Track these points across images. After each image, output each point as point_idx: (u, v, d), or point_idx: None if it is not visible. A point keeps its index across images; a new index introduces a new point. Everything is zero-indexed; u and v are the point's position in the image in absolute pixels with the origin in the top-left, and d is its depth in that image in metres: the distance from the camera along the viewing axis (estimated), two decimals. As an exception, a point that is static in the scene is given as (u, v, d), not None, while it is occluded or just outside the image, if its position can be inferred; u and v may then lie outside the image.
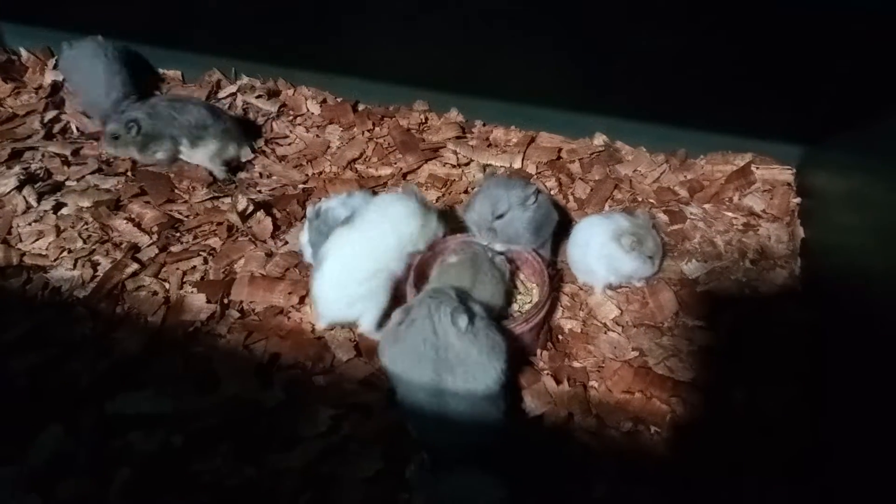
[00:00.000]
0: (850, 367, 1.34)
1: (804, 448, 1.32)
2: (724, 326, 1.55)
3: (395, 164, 2.08)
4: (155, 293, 1.64)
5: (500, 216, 1.51)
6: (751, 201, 1.88)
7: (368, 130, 2.20)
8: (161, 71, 2.46)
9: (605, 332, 1.57)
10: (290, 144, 2.19)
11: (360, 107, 2.31)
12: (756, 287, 1.65)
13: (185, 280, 1.68)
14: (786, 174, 1.93)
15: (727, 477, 1.28)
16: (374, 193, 1.78)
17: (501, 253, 1.56)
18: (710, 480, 1.27)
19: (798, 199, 1.85)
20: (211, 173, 2.01)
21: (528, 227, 1.54)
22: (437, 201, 1.94)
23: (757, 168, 1.95)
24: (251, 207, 1.85)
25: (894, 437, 1.10)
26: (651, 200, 1.93)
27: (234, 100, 2.33)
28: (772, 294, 1.63)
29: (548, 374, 1.46)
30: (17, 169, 1.97)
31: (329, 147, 2.15)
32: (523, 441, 1.32)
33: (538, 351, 1.50)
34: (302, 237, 1.64)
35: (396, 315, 1.26)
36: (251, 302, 1.62)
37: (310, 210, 1.62)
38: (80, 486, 1.23)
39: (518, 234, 1.54)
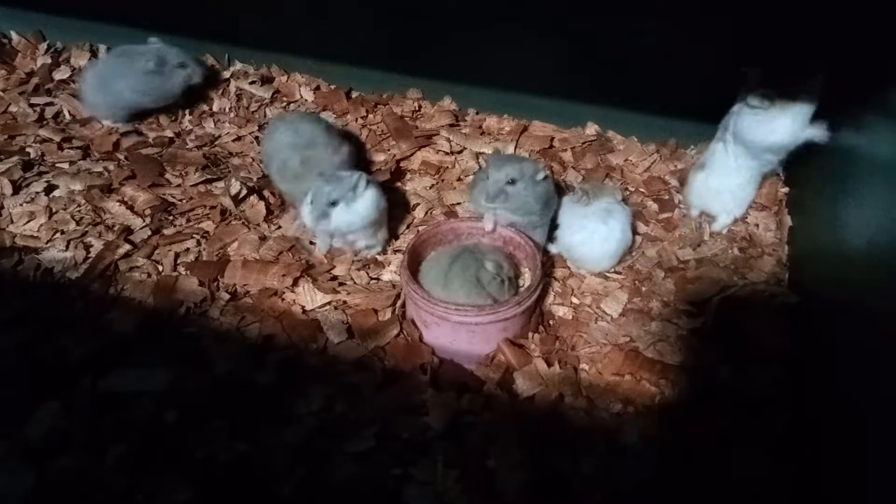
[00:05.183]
0: (832, 350, 1.37)
1: (787, 427, 1.35)
2: (711, 312, 1.57)
3: (389, 150, 2.09)
4: (148, 274, 1.64)
5: (513, 181, 1.53)
6: (740, 190, 1.91)
7: (362, 117, 2.21)
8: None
9: (596, 318, 1.59)
10: (283, 131, 2.19)
11: (354, 94, 2.31)
12: (744, 274, 1.67)
13: (178, 262, 1.68)
14: (774, 164, 1.96)
15: (713, 455, 1.30)
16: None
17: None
18: (696, 458, 1.30)
19: (786, 189, 1.88)
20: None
21: (539, 200, 1.58)
22: (430, 188, 1.96)
23: (746, 158, 1.97)
24: (244, 191, 1.86)
25: (873, 416, 1.13)
26: (642, 189, 1.95)
27: (228, 86, 2.32)
28: (759, 280, 1.65)
29: (539, 356, 1.48)
30: (7, 152, 1.96)
31: (322, 134, 2.15)
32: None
33: (530, 334, 1.52)
34: (304, 203, 1.62)
35: None
36: (245, 284, 1.62)
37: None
38: (75, 462, 1.24)
39: (529, 206, 1.57)
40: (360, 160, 2.02)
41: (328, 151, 1.75)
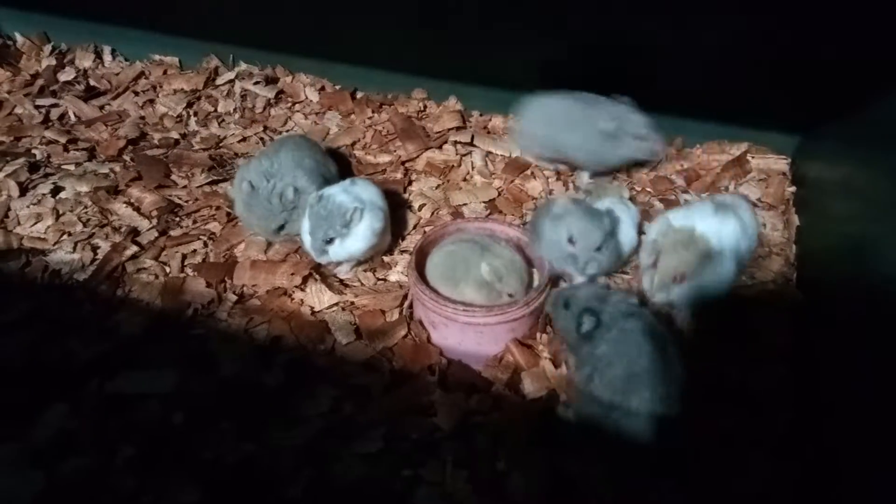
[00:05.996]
0: (838, 349, 1.37)
1: (790, 426, 1.35)
2: (718, 311, 1.57)
3: (395, 151, 2.08)
4: (156, 276, 1.64)
5: (599, 248, 1.50)
6: (747, 190, 1.90)
7: (368, 118, 2.21)
8: (158, 57, 2.46)
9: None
10: (288, 131, 2.19)
11: (359, 94, 2.31)
12: (751, 273, 1.67)
13: (185, 263, 1.68)
14: (781, 163, 1.96)
15: (716, 454, 1.29)
16: (374, 181, 1.80)
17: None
18: (700, 457, 1.29)
19: (793, 188, 1.88)
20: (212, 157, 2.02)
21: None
22: (436, 188, 1.96)
23: (753, 157, 1.97)
24: (250, 192, 1.85)
25: (877, 417, 1.12)
26: (648, 189, 1.95)
27: (233, 86, 2.33)
28: (767, 280, 1.65)
29: (547, 357, 1.47)
30: (13, 153, 1.96)
31: (328, 134, 2.16)
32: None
33: (537, 335, 1.52)
34: (303, 225, 1.61)
35: None
36: (253, 285, 1.62)
37: (311, 197, 1.60)
38: (84, 463, 1.24)
39: (610, 260, 1.56)
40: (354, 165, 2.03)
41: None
